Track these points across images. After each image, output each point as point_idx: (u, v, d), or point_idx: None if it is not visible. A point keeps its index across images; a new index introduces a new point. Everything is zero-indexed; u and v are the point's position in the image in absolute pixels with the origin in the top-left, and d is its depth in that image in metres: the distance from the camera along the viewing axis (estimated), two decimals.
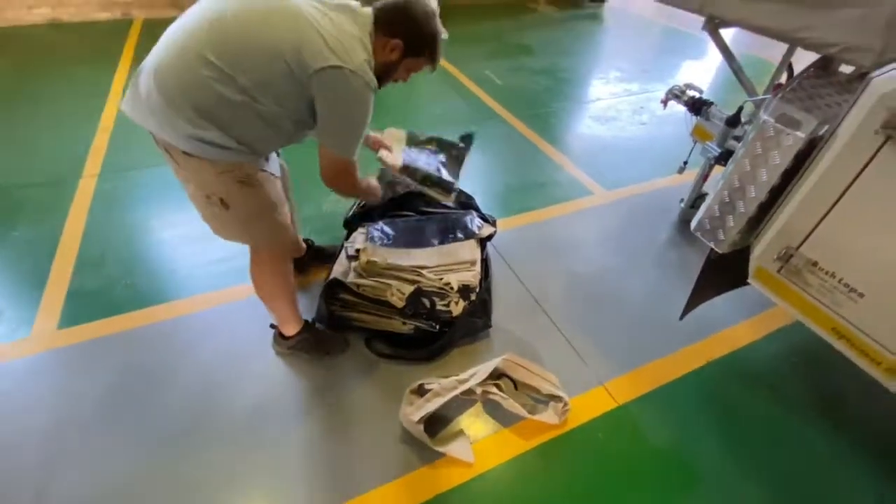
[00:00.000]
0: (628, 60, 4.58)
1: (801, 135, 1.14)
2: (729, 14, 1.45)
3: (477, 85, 3.83)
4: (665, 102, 2.36)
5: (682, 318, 1.66)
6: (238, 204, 1.25)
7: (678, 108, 2.27)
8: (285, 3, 1.10)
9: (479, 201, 2.19)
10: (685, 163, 2.40)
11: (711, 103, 2.17)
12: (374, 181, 1.59)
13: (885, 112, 0.98)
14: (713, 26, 1.62)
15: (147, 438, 1.42)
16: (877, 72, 1.01)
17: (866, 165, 1.04)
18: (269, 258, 1.43)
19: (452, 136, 1.77)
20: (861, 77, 1.11)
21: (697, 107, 2.19)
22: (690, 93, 2.26)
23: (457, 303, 1.69)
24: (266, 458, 1.40)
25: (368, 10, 1.21)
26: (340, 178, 1.28)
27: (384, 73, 1.25)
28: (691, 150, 2.33)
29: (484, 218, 2.06)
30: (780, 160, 1.20)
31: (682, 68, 4.49)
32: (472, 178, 2.44)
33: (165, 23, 1.15)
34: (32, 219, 2.19)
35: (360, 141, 1.22)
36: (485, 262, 1.94)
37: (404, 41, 1.21)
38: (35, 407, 1.49)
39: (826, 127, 1.15)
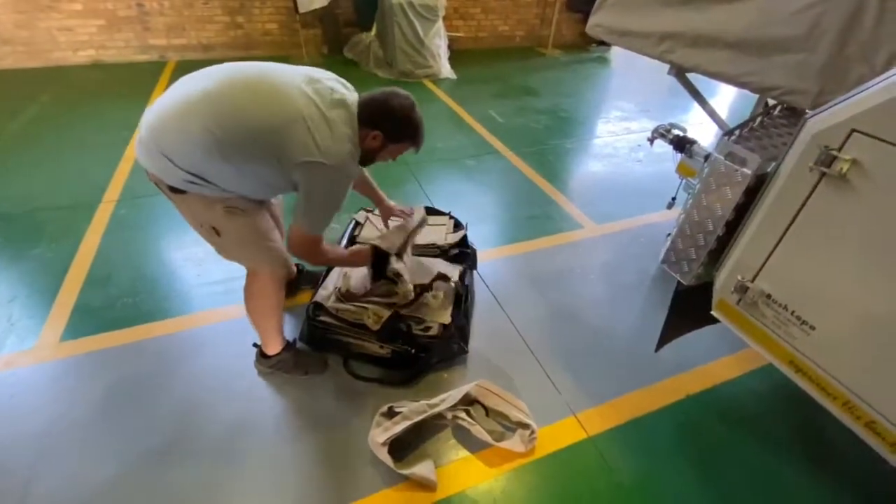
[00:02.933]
0: (631, 101, 4.72)
1: (748, 171, 1.20)
2: (685, 61, 1.54)
3: (480, 123, 4.00)
4: (652, 141, 2.43)
5: (657, 350, 1.67)
6: (229, 231, 1.36)
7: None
8: (287, 92, 1.22)
9: (469, 230, 2.27)
10: (673, 198, 2.44)
11: (694, 141, 2.23)
12: (354, 248, 1.73)
13: (817, 150, 1.03)
14: (678, 70, 1.71)
15: (130, 449, 1.48)
16: (811, 112, 1.07)
17: (806, 201, 1.09)
18: (265, 279, 1.51)
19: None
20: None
21: (681, 145, 2.25)
22: (675, 131, 2.33)
23: (432, 327, 1.73)
24: (238, 474, 1.43)
25: (356, 101, 1.34)
26: (306, 251, 1.41)
27: (370, 156, 1.41)
28: (678, 187, 2.38)
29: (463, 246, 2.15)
30: (732, 195, 1.25)
31: (684, 109, 4.59)
32: (465, 210, 2.53)
33: (196, 64, 1.30)
34: (52, 239, 2.36)
35: (329, 222, 1.36)
36: (466, 289, 1.99)
37: (383, 132, 1.35)
38: (30, 413, 1.57)
39: (773, 164, 1.20)
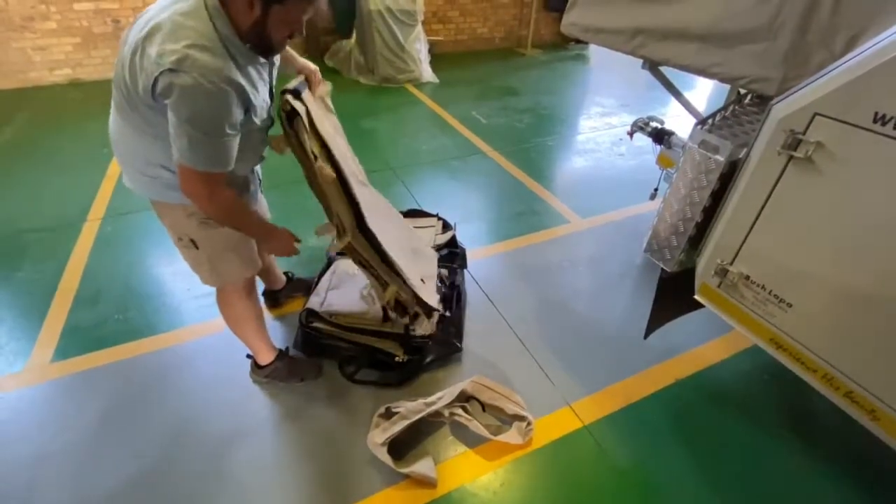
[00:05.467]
0: (610, 96, 4.79)
1: (721, 158, 1.24)
2: (656, 55, 1.60)
3: (463, 125, 4.03)
4: (631, 134, 2.49)
5: (645, 336, 1.71)
6: (205, 243, 1.33)
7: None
8: (140, 36, 1.00)
9: (457, 230, 2.30)
10: (655, 189, 2.50)
11: (672, 133, 2.29)
12: (279, 227, 1.40)
13: (784, 135, 1.08)
14: (651, 64, 1.76)
15: (127, 468, 1.47)
16: (776, 98, 1.11)
17: (776, 184, 1.13)
18: (231, 293, 1.50)
19: None
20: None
21: (660, 137, 2.31)
22: (653, 124, 2.39)
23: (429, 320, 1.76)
24: (238, 484, 1.44)
25: None
26: (196, 194, 1.11)
27: (260, 37, 1.05)
28: (660, 178, 2.43)
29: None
30: (707, 182, 1.30)
31: (663, 102, 4.67)
32: (452, 210, 2.56)
33: None
34: (37, 260, 2.34)
35: (222, 153, 1.06)
36: (458, 288, 2.02)
37: None
38: (22, 436, 1.56)
39: (744, 150, 1.25)
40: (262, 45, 1.08)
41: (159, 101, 1.00)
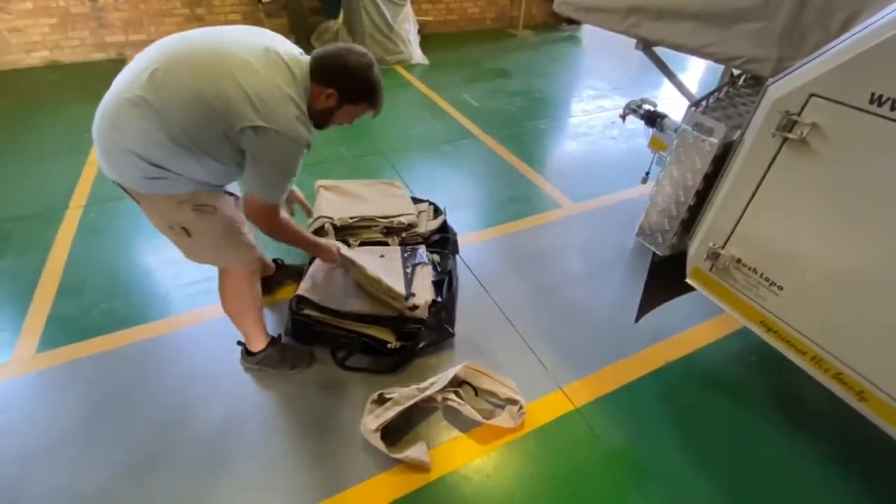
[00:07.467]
0: (602, 79, 4.74)
1: (715, 140, 1.23)
2: (650, 35, 1.57)
3: (455, 108, 3.97)
4: (624, 117, 2.46)
5: (636, 320, 1.71)
6: (200, 231, 1.32)
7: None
8: (222, 56, 1.14)
9: (449, 215, 2.28)
10: (647, 173, 2.49)
11: (665, 116, 2.27)
12: (322, 239, 1.65)
13: (779, 116, 1.06)
14: (644, 44, 1.73)
15: (118, 459, 1.46)
16: (772, 79, 1.10)
17: (770, 166, 1.12)
18: (237, 276, 1.50)
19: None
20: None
21: (652, 119, 2.29)
22: (646, 107, 2.36)
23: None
24: (231, 473, 1.43)
25: (307, 61, 1.25)
26: (263, 221, 1.33)
27: (325, 118, 1.31)
28: (651, 161, 2.42)
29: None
30: (701, 165, 1.29)
31: (655, 84, 4.64)
32: (444, 195, 2.53)
33: None
34: (19, 250, 2.28)
35: (285, 190, 1.28)
36: (449, 274, 2.00)
37: (338, 90, 1.24)
38: (11, 428, 1.53)
39: (738, 132, 1.23)
40: (321, 123, 1.32)
41: (238, 138, 1.15)
